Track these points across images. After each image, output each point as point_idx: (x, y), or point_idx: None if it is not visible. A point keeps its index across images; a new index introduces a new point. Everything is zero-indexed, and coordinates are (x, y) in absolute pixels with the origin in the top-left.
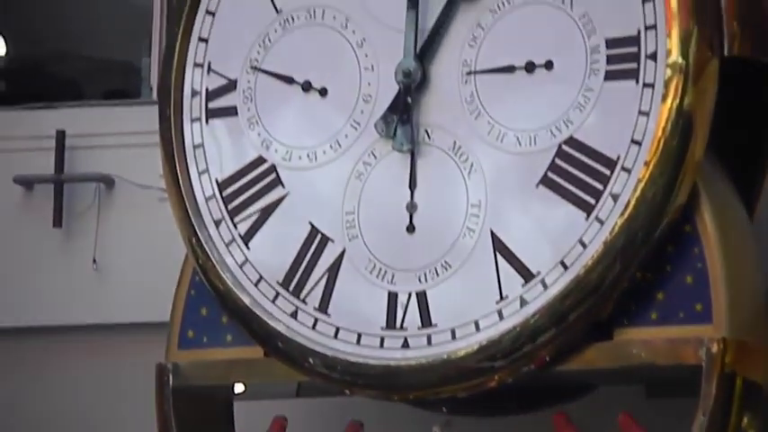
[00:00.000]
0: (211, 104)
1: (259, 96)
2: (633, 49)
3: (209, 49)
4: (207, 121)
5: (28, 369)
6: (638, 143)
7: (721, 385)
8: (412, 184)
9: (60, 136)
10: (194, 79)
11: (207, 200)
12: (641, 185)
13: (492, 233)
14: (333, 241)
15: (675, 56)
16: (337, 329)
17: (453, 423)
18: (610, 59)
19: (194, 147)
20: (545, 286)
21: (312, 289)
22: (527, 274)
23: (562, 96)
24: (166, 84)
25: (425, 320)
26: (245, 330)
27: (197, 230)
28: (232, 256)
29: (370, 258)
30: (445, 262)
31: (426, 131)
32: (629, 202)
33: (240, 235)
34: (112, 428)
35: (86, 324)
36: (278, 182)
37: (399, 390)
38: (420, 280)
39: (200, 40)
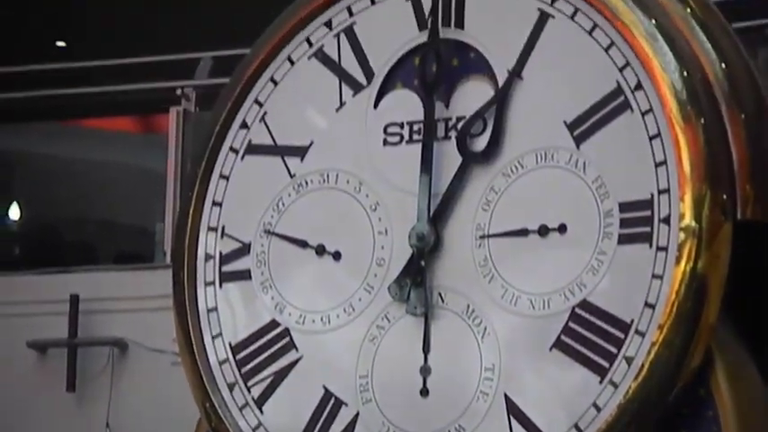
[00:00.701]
0: (225, 268)
1: (272, 260)
2: (646, 213)
3: (223, 213)
4: (221, 285)
5: None
6: (652, 306)
7: None
8: (426, 348)
9: (74, 300)
10: (208, 243)
11: (220, 364)
12: (655, 349)
13: (506, 396)
14: (346, 405)
15: (689, 219)
16: None
17: None
18: (623, 223)
19: (208, 311)
20: None
21: None
22: None
23: (575, 260)
24: (180, 248)
25: None
26: None
27: (210, 394)
28: (245, 419)
29: (384, 422)
30: (459, 426)
31: (440, 295)
32: (643, 366)
33: (254, 399)
34: None
35: None
36: (291, 345)
37: None
38: None
39: (215, 204)
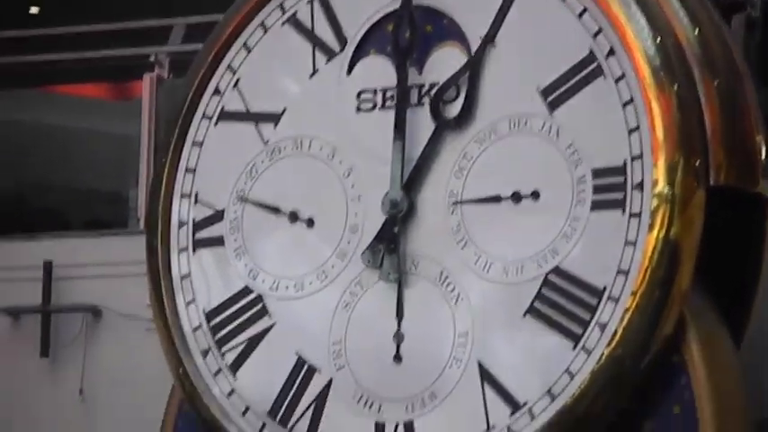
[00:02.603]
0: (198, 234)
1: (246, 226)
2: (619, 179)
3: (197, 180)
4: (194, 251)
5: None
6: (625, 273)
7: None
8: (399, 314)
9: (47, 266)
10: (181, 209)
11: (194, 330)
12: (628, 315)
13: (479, 363)
14: (319, 371)
15: (662, 186)
16: None
17: None
18: (596, 189)
19: (181, 277)
20: (532, 416)
21: (299, 419)
22: (514, 404)
23: (548, 226)
24: (153, 214)
25: None
26: None
27: (184, 361)
28: (219, 386)
29: (357, 388)
30: (432, 392)
31: (413, 261)
32: (616, 332)
33: (227, 365)
34: None
35: None
36: (264, 312)
37: None
38: (407, 410)
39: (188, 170)
